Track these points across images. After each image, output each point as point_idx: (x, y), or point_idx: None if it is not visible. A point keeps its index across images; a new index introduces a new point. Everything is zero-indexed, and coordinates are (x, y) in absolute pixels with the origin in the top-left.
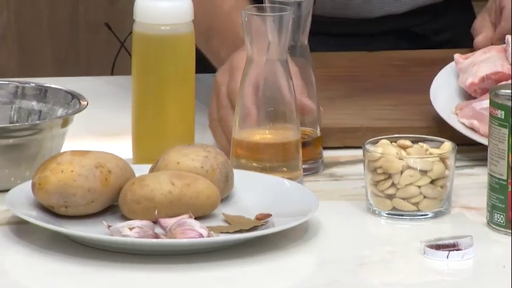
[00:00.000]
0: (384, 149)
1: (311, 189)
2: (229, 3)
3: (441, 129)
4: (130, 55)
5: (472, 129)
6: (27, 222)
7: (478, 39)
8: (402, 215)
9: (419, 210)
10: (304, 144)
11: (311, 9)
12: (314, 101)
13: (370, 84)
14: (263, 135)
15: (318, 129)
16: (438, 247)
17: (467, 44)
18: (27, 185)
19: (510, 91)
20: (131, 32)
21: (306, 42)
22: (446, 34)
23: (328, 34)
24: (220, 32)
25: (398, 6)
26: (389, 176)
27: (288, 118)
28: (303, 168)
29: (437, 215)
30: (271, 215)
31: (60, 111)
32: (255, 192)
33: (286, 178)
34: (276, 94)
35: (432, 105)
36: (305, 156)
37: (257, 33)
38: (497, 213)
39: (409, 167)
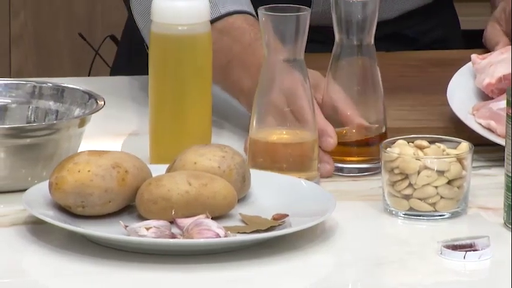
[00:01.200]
0: (401, 150)
1: (328, 189)
2: (248, 35)
3: (458, 129)
4: (106, 63)
5: (489, 129)
6: (44, 222)
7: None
8: (419, 216)
9: (436, 211)
10: (370, 143)
11: (377, 9)
12: (380, 101)
13: (387, 85)
14: (280, 135)
15: (384, 128)
16: (455, 247)
17: (456, 41)
18: (44, 185)
19: None
20: (104, 39)
21: (372, 41)
22: (435, 34)
23: (320, 42)
24: (243, 63)
25: (389, 12)
26: (406, 177)
27: (304, 118)
28: (368, 168)
29: (454, 215)
30: (288, 215)
31: (77, 111)
32: (272, 192)
33: (303, 178)
34: (293, 94)
35: (449, 106)
36: (371, 155)
37: (274, 33)
38: None
39: (426, 168)
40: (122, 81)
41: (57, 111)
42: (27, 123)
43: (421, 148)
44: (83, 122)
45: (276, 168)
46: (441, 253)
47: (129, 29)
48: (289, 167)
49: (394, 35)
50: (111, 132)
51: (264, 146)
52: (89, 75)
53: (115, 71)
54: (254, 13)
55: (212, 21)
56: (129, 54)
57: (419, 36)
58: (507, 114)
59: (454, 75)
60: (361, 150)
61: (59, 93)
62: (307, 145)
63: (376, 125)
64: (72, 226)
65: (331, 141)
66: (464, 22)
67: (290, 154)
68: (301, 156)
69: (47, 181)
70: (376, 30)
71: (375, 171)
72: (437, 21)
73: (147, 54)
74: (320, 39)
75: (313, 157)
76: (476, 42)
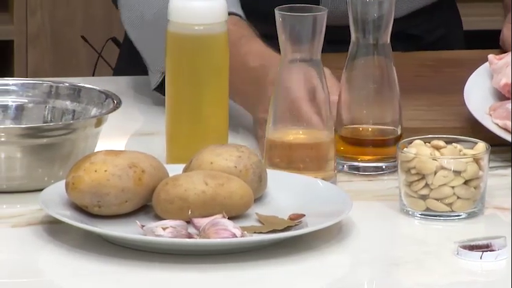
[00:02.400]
0: (418, 150)
1: (344, 189)
2: (231, 36)
3: (475, 129)
4: (109, 65)
5: (506, 129)
6: (61, 222)
7: None
8: (436, 216)
9: (452, 211)
10: (386, 144)
11: (393, 8)
12: (396, 100)
13: (403, 85)
14: (296, 135)
15: (400, 128)
16: (471, 248)
17: (458, 41)
18: (60, 185)
19: None
20: (107, 41)
21: (388, 41)
22: (438, 32)
23: (326, 41)
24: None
25: (398, 11)
26: (423, 177)
27: (321, 118)
28: (384, 167)
29: (470, 215)
30: (304, 215)
31: (93, 111)
32: (289, 192)
33: (320, 178)
34: (309, 95)
35: (466, 106)
36: (386, 154)
37: (291, 33)
38: None
39: (442, 168)
40: (138, 80)
41: (73, 111)
42: (44, 123)
43: (437, 148)
44: (99, 122)
45: (292, 168)
46: (458, 253)
47: None
48: (306, 167)
49: (399, 34)
50: (127, 132)
51: (280, 146)
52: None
53: (117, 73)
54: (239, 12)
55: None
56: (131, 56)
57: (424, 35)
58: None
59: (471, 75)
60: (377, 150)
61: (76, 92)
62: (324, 145)
63: (393, 127)
64: (89, 226)
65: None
66: (467, 22)
67: (307, 154)
68: (317, 156)
69: (64, 181)
70: None
71: (390, 170)
72: (440, 20)
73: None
74: (328, 39)
75: (330, 157)
76: (479, 42)
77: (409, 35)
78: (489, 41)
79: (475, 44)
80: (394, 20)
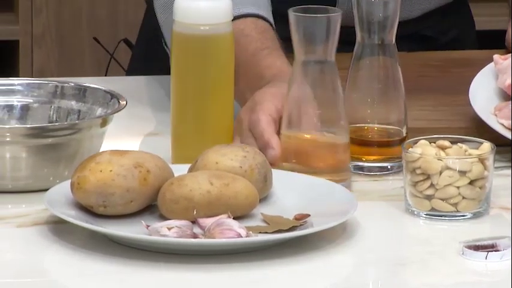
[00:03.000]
0: (423, 150)
1: (350, 189)
2: (254, 45)
3: (480, 130)
4: (121, 66)
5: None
6: (66, 222)
7: None
8: (441, 216)
9: (458, 211)
10: (391, 144)
11: (398, 8)
12: (401, 100)
13: (408, 85)
14: (311, 137)
15: (405, 128)
16: (477, 248)
17: (471, 41)
18: (65, 185)
19: None
20: (119, 42)
21: (393, 41)
22: (452, 33)
23: (340, 41)
24: (246, 74)
25: (411, 12)
26: (428, 177)
27: (336, 120)
28: (390, 167)
29: (475, 215)
30: (309, 215)
31: (99, 111)
32: (294, 192)
33: (335, 180)
34: (325, 96)
35: (471, 106)
36: (391, 154)
37: (305, 35)
38: None
39: (448, 168)
40: (143, 81)
41: (79, 111)
42: (49, 122)
43: (443, 148)
44: (104, 122)
45: (308, 171)
46: (463, 253)
47: (145, 30)
48: (321, 169)
49: (413, 35)
50: (132, 132)
51: (295, 149)
52: (106, 72)
53: (130, 73)
54: (269, 17)
55: None
56: (145, 56)
57: (438, 36)
58: None
59: (477, 75)
60: (382, 150)
61: (81, 93)
62: (339, 147)
63: (398, 128)
64: (94, 226)
65: (273, 152)
66: (479, 22)
67: (321, 156)
68: (332, 158)
69: (69, 181)
70: (397, 29)
71: (395, 170)
72: (454, 21)
73: (163, 55)
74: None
75: (345, 159)
76: (490, 42)
77: (422, 36)
78: (501, 41)
79: (487, 44)
80: (408, 21)
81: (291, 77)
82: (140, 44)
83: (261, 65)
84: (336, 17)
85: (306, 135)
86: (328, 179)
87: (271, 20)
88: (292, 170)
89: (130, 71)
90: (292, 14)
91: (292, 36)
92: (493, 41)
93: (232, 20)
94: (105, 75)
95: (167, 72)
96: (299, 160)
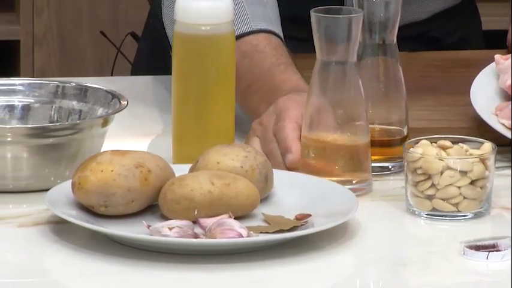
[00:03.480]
0: (424, 150)
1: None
2: (269, 60)
3: (481, 130)
4: (128, 60)
5: None
6: (67, 222)
7: None
8: (442, 216)
9: (459, 211)
10: (392, 144)
11: (399, 9)
12: (402, 100)
13: (409, 85)
14: (332, 137)
15: (406, 128)
16: (478, 248)
17: (477, 42)
18: (66, 185)
19: None
20: (126, 36)
21: (395, 41)
22: (458, 33)
23: None
24: (261, 88)
25: (420, 14)
26: (429, 177)
27: (356, 120)
28: (391, 167)
29: (477, 215)
30: (310, 215)
31: (100, 111)
32: (295, 192)
33: (356, 181)
34: (345, 96)
35: (472, 106)
36: (392, 154)
37: (326, 35)
38: None
39: (449, 168)
40: (144, 80)
41: (80, 111)
42: (50, 122)
43: (444, 148)
44: (105, 122)
45: (328, 170)
46: (464, 253)
47: (150, 26)
48: (342, 169)
49: (419, 36)
50: (134, 132)
51: (315, 149)
52: (111, 74)
53: (136, 68)
54: (280, 33)
55: (238, 37)
56: (150, 51)
57: (444, 37)
58: None
59: (478, 75)
60: (383, 150)
61: (82, 92)
62: (359, 147)
63: (399, 127)
64: (95, 226)
65: (290, 157)
66: (485, 22)
67: (342, 156)
68: (353, 159)
69: (70, 181)
70: (404, 31)
71: (396, 170)
72: (460, 21)
73: (168, 51)
74: None
75: (366, 159)
76: (497, 42)
77: (429, 37)
78: (505, 41)
79: (494, 44)
80: (416, 22)
81: (313, 76)
82: (146, 39)
83: (278, 79)
84: (358, 17)
85: (326, 136)
86: (349, 179)
87: (282, 36)
88: (311, 171)
89: (136, 66)
90: (313, 15)
91: (313, 37)
92: (497, 41)
93: (244, 36)
94: (112, 71)
95: (171, 70)
96: (318, 160)
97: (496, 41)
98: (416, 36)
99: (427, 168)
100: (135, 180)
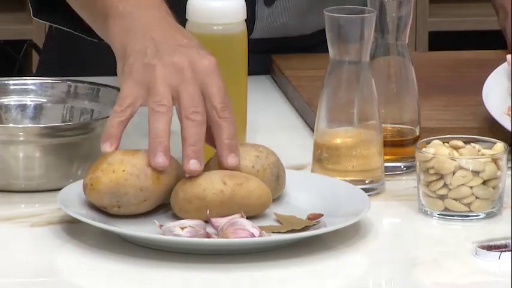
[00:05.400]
0: (436, 150)
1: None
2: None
3: (493, 129)
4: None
5: None
6: (79, 221)
7: None
8: (454, 216)
9: (471, 211)
10: (404, 144)
11: (411, 9)
12: (415, 100)
13: (421, 85)
14: (344, 137)
15: (418, 128)
16: (490, 248)
17: None
18: (79, 184)
19: None
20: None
21: (406, 41)
22: None
23: None
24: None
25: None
26: (442, 177)
27: (369, 120)
28: (403, 167)
29: (489, 215)
30: (322, 215)
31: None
32: (307, 192)
33: (368, 181)
34: (358, 96)
35: (484, 106)
36: (405, 154)
37: (339, 35)
38: None
39: (461, 168)
40: None
41: (92, 111)
42: (63, 122)
43: (456, 148)
44: None
45: (340, 170)
46: (476, 253)
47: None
48: (355, 168)
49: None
50: (145, 131)
51: (328, 147)
52: None
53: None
54: None
55: None
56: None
57: None
58: None
59: (490, 75)
60: (395, 150)
61: (94, 92)
62: (372, 146)
63: (411, 127)
64: (107, 225)
65: (234, 160)
66: (486, 22)
67: (355, 155)
68: (366, 158)
69: (82, 180)
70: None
71: (408, 170)
72: None
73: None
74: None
75: (378, 159)
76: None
77: None
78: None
79: (494, 44)
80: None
81: (326, 76)
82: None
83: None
84: (370, 17)
85: (338, 135)
86: (361, 179)
87: None
88: (324, 170)
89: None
90: (326, 15)
91: (327, 36)
92: (497, 41)
93: None
94: None
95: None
96: (331, 159)
97: (495, 41)
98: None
99: (439, 168)
100: (147, 180)
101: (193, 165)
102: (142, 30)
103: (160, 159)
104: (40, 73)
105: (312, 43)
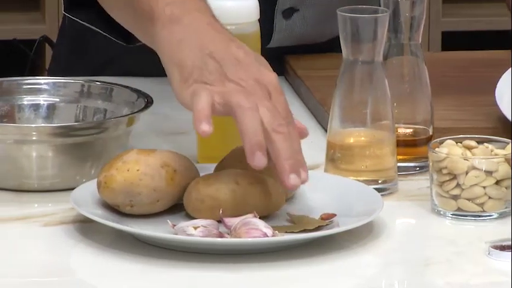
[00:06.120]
0: (449, 150)
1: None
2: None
3: (506, 129)
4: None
5: None
6: (92, 221)
7: None
8: (467, 216)
9: (484, 211)
10: (417, 143)
11: (425, 8)
12: (428, 100)
13: (434, 85)
14: (357, 137)
15: (431, 128)
16: (503, 248)
17: None
18: (92, 184)
19: None
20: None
21: (420, 40)
22: None
23: None
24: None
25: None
26: (455, 177)
27: (382, 120)
28: (416, 167)
29: (502, 215)
30: (335, 215)
31: (125, 110)
32: (320, 192)
33: (381, 180)
34: (371, 96)
35: (497, 106)
36: (418, 154)
37: (352, 35)
38: None
39: (474, 168)
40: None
41: (105, 110)
42: (76, 122)
43: (469, 148)
44: (131, 121)
45: (353, 169)
46: (489, 253)
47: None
48: (368, 168)
49: None
50: (159, 131)
51: (341, 147)
52: None
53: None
54: None
55: None
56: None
57: None
58: None
59: (503, 75)
60: (408, 150)
61: (108, 92)
62: (385, 146)
63: (424, 127)
64: (120, 225)
65: (304, 176)
66: (485, 22)
67: (368, 155)
68: (379, 157)
69: (95, 180)
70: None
71: (421, 170)
72: None
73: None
74: None
75: (391, 159)
76: (497, 42)
77: None
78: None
79: (494, 44)
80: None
81: (339, 75)
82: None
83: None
84: (384, 17)
85: (352, 135)
86: (374, 179)
87: None
88: (337, 170)
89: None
90: (340, 14)
91: (340, 35)
92: (509, 41)
93: None
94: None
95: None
96: (344, 159)
97: (509, 41)
98: None
99: (452, 168)
100: (161, 180)
101: (293, 180)
102: (196, 41)
103: (261, 161)
104: (53, 69)
105: (327, 48)
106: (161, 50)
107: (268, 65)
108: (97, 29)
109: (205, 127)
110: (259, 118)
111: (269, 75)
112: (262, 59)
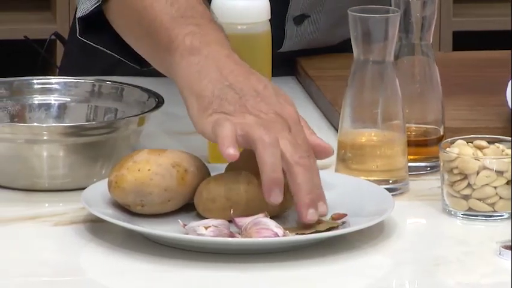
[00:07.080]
0: (460, 150)
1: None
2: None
3: None
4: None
5: None
6: (103, 221)
7: None
8: (478, 216)
9: (495, 211)
10: (428, 143)
11: (436, 8)
12: (439, 100)
13: (445, 85)
14: (368, 136)
15: (442, 128)
16: None
17: None
18: (102, 183)
19: None
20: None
21: (431, 40)
22: None
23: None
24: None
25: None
26: (466, 177)
27: (393, 120)
28: (427, 166)
29: None
30: (346, 215)
31: (136, 110)
32: (331, 192)
33: (392, 180)
34: (382, 95)
35: (508, 106)
36: (429, 154)
37: (363, 35)
38: None
39: (485, 168)
40: None
41: (116, 110)
42: (86, 121)
43: (480, 148)
44: (142, 121)
45: (364, 169)
46: (499, 253)
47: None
48: (379, 168)
49: None
50: (169, 131)
51: (352, 147)
52: None
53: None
54: None
55: None
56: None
57: None
58: None
59: None
60: (419, 150)
61: (118, 91)
62: (396, 146)
63: (435, 127)
64: (131, 225)
65: (323, 209)
66: (486, 22)
67: (379, 155)
68: (390, 158)
69: (106, 179)
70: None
71: (432, 170)
72: None
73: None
74: None
75: (402, 159)
76: (497, 42)
77: None
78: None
79: (494, 44)
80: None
81: (350, 75)
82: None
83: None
84: (395, 17)
85: (363, 135)
86: (385, 179)
87: None
88: (348, 170)
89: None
90: (350, 14)
91: (351, 35)
92: (509, 41)
93: None
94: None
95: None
96: (355, 159)
97: (507, 41)
98: None
99: (463, 168)
100: (172, 180)
101: (311, 215)
102: (215, 72)
103: (278, 198)
104: (65, 65)
105: (338, 50)
106: (179, 80)
107: (288, 98)
108: (111, 52)
109: (232, 150)
110: (279, 154)
111: (289, 109)
112: (282, 91)
